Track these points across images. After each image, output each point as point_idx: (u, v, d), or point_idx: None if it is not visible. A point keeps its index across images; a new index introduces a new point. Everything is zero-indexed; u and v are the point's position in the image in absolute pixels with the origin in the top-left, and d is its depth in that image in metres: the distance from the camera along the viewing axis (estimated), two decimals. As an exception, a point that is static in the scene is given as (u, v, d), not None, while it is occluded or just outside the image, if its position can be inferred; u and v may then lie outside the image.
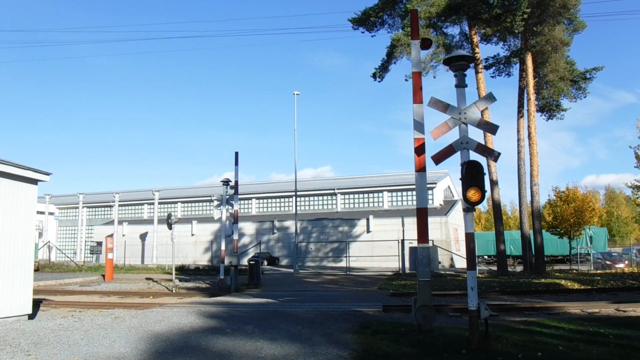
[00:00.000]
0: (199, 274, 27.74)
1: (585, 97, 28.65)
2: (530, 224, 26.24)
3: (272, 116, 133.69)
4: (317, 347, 7.40)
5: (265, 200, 49.40)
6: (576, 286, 17.82)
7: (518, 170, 26.19)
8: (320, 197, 47.43)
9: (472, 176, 7.24)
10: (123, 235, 45.17)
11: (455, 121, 7.64)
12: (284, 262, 41.34)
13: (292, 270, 29.63)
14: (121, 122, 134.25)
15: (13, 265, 10.03)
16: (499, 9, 23.97)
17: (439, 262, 23.49)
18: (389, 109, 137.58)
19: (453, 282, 20.25)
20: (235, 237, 19.97)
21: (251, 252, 36.06)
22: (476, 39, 26.20)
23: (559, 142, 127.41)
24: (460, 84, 7.77)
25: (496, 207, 26.50)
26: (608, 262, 31.58)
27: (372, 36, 28.56)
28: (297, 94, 32.22)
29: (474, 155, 7.58)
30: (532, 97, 25.79)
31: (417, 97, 8.53)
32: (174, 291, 18.31)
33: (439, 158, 7.68)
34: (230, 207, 20.91)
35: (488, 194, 16.98)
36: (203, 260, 43.27)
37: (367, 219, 40.15)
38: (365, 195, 45.74)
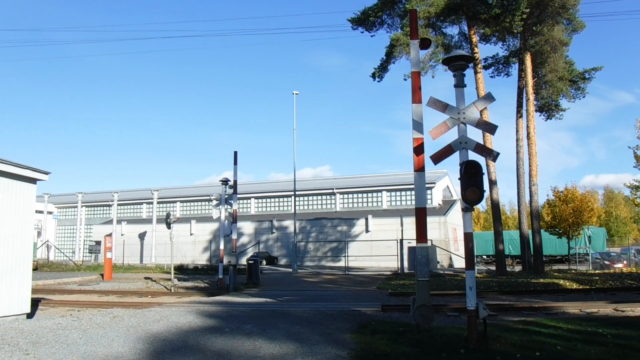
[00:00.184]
0: (198, 274, 27.73)
1: (584, 97, 28.75)
2: (529, 224, 26.26)
3: (272, 116, 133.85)
4: (315, 347, 7.40)
5: (264, 200, 49.40)
6: (575, 286, 17.83)
7: (517, 170, 26.20)
8: (319, 197, 47.44)
9: (470, 176, 7.24)
10: (122, 235, 45.14)
11: (454, 121, 7.64)
12: (282, 261, 41.36)
13: (290, 270, 29.63)
14: (120, 121, 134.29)
15: (12, 264, 10.02)
16: (498, 9, 23.98)
17: (438, 262, 23.53)
18: (388, 109, 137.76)
19: (452, 282, 20.26)
20: (234, 236, 19.96)
21: (250, 252, 36.09)
22: (475, 38, 26.21)
23: (558, 142, 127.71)
24: (459, 84, 7.76)
25: (495, 207, 26.52)
26: (607, 262, 31.63)
27: (372, 36, 28.58)
28: (296, 94, 32.25)
29: (472, 155, 7.58)
30: (531, 97, 25.81)
31: (416, 97, 8.52)
32: (172, 290, 18.30)
33: (437, 158, 7.68)
34: (229, 207, 20.90)
35: (487, 194, 17.01)
36: (202, 259, 43.29)
37: (366, 219, 40.17)
38: (364, 194, 45.75)
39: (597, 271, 27.58)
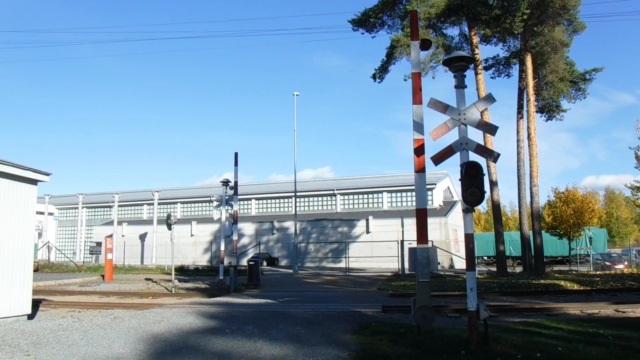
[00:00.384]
0: (199, 275, 27.72)
1: (584, 98, 28.76)
2: (529, 225, 26.24)
3: (272, 117, 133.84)
4: (316, 348, 7.40)
5: (264, 201, 49.39)
6: (575, 287, 17.82)
7: (518, 171, 26.20)
8: (320, 198, 47.42)
9: (471, 177, 7.24)
10: (122, 236, 45.14)
11: (454, 122, 7.64)
12: (283, 262, 41.33)
13: (291, 271, 29.63)
14: (121, 122, 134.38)
15: (12, 266, 10.03)
16: (499, 10, 24.00)
17: (439, 263, 23.52)
18: (388, 110, 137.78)
19: (452, 283, 20.25)
20: (235, 237, 19.96)
21: (250, 253, 36.06)
22: (476, 39, 26.23)
23: (559, 143, 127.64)
24: (460, 85, 7.77)
25: (496, 208, 26.51)
26: (607, 263, 31.58)
27: (372, 37, 28.66)
28: (296, 95, 32.27)
29: (473, 156, 7.58)
30: (532, 97, 25.81)
31: (417, 98, 8.52)
32: (173, 291, 18.30)
33: (438, 159, 7.68)
34: (229, 208, 20.91)
35: (487, 195, 16.96)
36: (202, 260, 43.26)
37: (367, 220, 40.14)
38: (365, 195, 45.73)
39: (598, 272, 27.54)
